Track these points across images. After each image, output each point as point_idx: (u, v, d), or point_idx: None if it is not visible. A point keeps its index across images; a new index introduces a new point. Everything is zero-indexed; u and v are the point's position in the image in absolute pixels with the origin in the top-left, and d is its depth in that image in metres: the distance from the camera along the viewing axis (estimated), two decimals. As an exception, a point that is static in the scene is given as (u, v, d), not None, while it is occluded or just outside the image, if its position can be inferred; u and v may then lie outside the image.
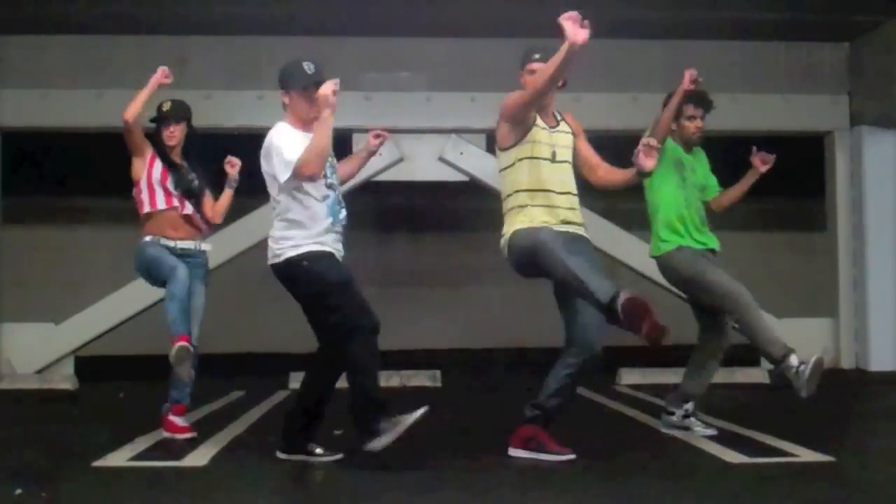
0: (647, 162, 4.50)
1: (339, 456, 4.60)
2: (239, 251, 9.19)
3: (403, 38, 9.48)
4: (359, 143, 9.56)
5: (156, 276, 5.38)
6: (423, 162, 9.76)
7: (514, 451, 4.63)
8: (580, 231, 4.64)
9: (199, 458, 4.75)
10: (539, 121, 4.60)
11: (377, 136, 5.05)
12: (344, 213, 4.59)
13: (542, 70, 4.43)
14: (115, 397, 7.83)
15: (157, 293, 5.64)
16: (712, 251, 5.36)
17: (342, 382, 4.54)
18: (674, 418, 5.41)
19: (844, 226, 9.97)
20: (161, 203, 5.39)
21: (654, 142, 4.54)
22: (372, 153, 5.09)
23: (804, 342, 9.59)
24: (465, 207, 11.36)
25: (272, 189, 4.52)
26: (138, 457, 4.81)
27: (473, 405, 7.36)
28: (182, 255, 5.39)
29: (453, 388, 8.55)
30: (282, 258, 4.46)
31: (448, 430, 5.61)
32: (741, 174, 5.53)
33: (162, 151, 5.44)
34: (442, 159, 9.71)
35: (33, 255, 11.50)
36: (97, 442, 5.12)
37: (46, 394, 8.19)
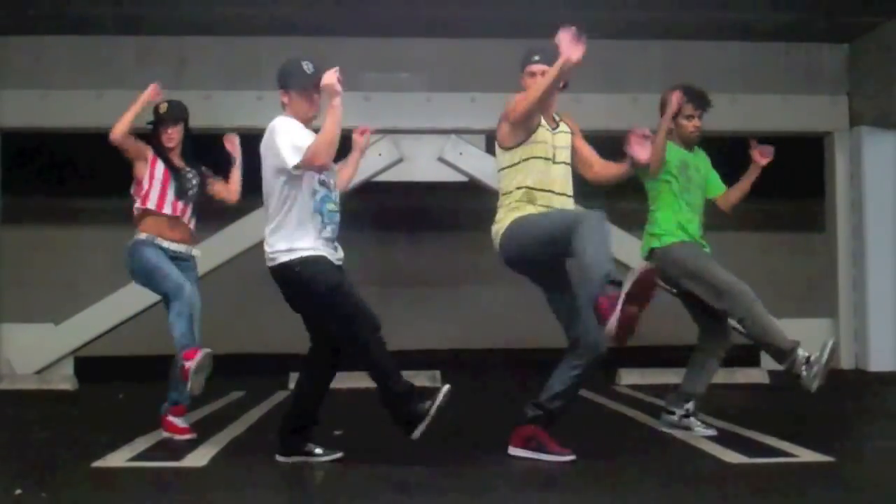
0: (641, 152, 4.49)
1: (339, 455, 4.59)
2: (238, 251, 9.19)
3: (403, 38, 9.49)
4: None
5: (155, 285, 5.33)
6: (423, 162, 9.77)
7: (514, 451, 4.62)
8: None
9: (198, 458, 4.75)
10: (543, 121, 4.60)
11: (362, 133, 5.07)
12: (338, 217, 4.58)
13: (535, 85, 4.43)
14: (115, 398, 7.82)
15: (157, 294, 5.62)
16: None
17: (338, 383, 4.54)
18: (674, 418, 5.41)
19: (844, 226, 9.98)
20: (168, 208, 5.36)
21: (646, 130, 4.53)
22: (363, 150, 5.09)
23: (804, 343, 9.69)
24: (464, 208, 11.35)
25: (271, 186, 4.48)
26: (138, 457, 4.81)
27: (473, 406, 7.35)
28: (174, 257, 5.37)
29: (453, 388, 8.52)
30: (276, 262, 4.45)
31: (448, 431, 5.61)
32: (741, 174, 5.53)
33: (162, 154, 5.41)
34: (441, 160, 9.71)
35: (33, 256, 11.51)
36: (97, 442, 5.11)
37: (46, 394, 8.18)
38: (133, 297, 8.70)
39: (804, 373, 4.84)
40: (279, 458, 4.61)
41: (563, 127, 4.72)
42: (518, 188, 4.56)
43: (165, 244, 5.36)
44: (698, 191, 5.37)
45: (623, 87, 9.40)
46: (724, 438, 5.11)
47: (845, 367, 9.70)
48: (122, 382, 8.46)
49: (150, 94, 5.37)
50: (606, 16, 8.73)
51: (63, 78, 9.29)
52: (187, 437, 5.31)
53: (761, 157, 5.43)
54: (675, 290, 5.41)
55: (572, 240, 4.25)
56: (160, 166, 5.39)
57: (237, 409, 6.78)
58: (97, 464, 4.60)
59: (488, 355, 11.53)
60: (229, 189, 5.59)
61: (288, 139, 4.37)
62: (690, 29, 9.32)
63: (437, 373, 8.82)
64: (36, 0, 8.55)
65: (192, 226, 5.52)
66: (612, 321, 4.10)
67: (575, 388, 4.64)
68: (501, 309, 11.95)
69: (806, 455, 4.63)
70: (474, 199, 9.94)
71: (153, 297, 7.07)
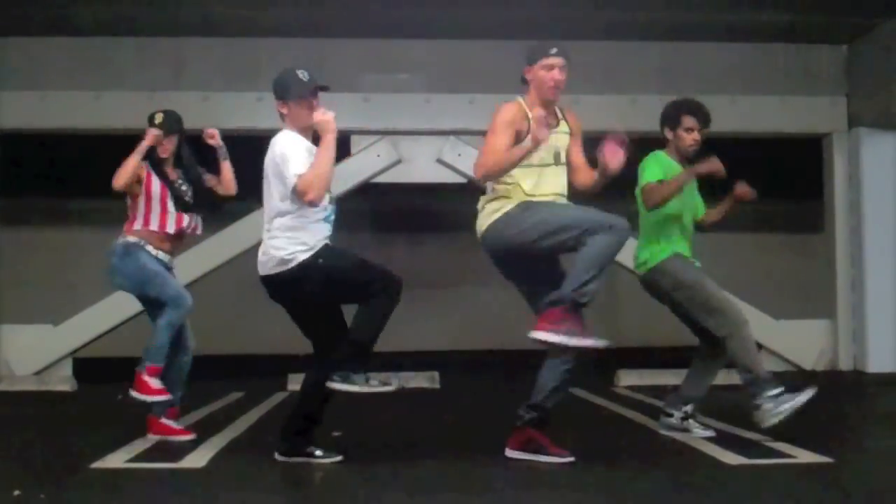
0: (612, 160, 4.38)
1: (339, 458, 4.59)
2: (238, 252, 9.18)
3: (402, 39, 9.48)
4: (358, 144, 9.63)
5: (152, 291, 5.27)
6: (422, 163, 9.76)
7: (511, 454, 4.60)
8: None
9: (197, 459, 4.75)
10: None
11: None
12: (333, 216, 4.61)
13: (502, 158, 4.40)
14: (114, 399, 7.80)
15: (141, 301, 5.58)
16: None
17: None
18: (673, 420, 5.41)
19: (843, 227, 9.97)
20: (171, 226, 5.32)
21: (623, 136, 4.42)
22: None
23: (802, 343, 9.73)
24: (463, 209, 11.33)
25: (277, 196, 4.47)
26: (137, 458, 4.80)
27: (472, 406, 7.36)
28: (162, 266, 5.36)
29: (452, 389, 8.55)
30: (294, 262, 4.41)
31: (447, 431, 5.62)
32: (741, 175, 5.51)
33: (157, 167, 5.34)
34: (440, 161, 9.71)
35: (32, 257, 11.51)
36: (95, 443, 5.11)
37: (45, 395, 8.19)
38: (132, 299, 8.63)
39: (767, 404, 4.86)
40: (278, 457, 4.62)
41: (563, 126, 4.67)
42: (516, 185, 4.52)
43: (154, 252, 5.31)
44: (689, 213, 5.36)
45: (622, 89, 9.39)
46: (722, 440, 5.12)
47: (844, 369, 9.71)
48: (120, 383, 8.43)
49: (150, 141, 5.27)
50: (605, 16, 8.74)
51: (62, 79, 9.27)
52: (186, 437, 5.30)
53: (743, 194, 5.33)
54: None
55: (587, 241, 4.26)
56: (156, 182, 5.31)
57: (236, 409, 6.78)
58: (96, 464, 4.59)
59: (487, 356, 11.53)
60: (224, 184, 5.55)
61: (290, 165, 4.38)
62: (689, 30, 9.32)
63: (436, 374, 8.83)
64: (35, 1, 8.55)
65: (198, 226, 5.50)
66: (546, 335, 4.25)
67: (568, 383, 4.65)
68: (500, 310, 11.87)
69: (805, 456, 4.63)
70: (473, 200, 9.92)
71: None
